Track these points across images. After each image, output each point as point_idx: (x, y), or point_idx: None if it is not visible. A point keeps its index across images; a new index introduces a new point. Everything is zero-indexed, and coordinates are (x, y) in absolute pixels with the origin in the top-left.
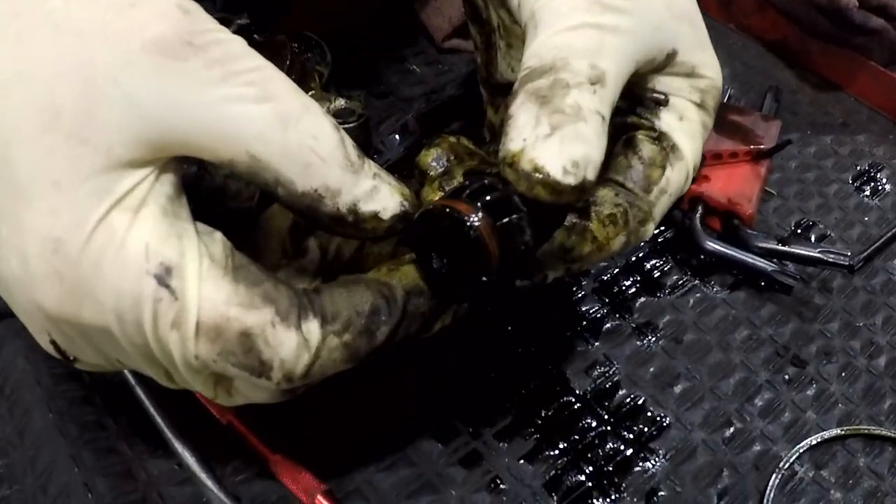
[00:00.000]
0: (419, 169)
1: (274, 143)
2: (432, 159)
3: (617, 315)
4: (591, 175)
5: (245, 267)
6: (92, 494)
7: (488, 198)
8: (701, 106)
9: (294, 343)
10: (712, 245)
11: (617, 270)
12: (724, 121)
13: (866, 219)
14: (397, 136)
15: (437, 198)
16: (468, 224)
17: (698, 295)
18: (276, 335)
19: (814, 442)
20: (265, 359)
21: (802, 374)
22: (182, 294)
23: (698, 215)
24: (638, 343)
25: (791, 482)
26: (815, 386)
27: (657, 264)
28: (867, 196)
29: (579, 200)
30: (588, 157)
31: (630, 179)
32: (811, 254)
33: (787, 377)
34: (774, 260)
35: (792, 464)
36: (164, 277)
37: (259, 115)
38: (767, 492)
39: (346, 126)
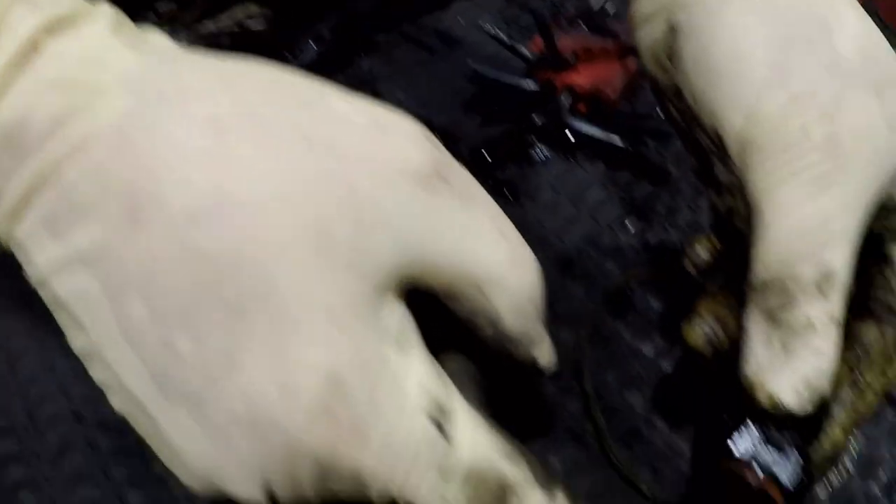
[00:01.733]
0: (687, 342)
1: (503, 283)
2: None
3: (483, 182)
4: (826, 386)
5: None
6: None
7: (765, 458)
8: None
9: None
10: (577, 124)
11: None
12: (599, 27)
13: None
14: (312, 43)
15: None
16: (759, 492)
17: (560, 165)
18: (527, 495)
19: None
20: None
21: (647, 227)
22: (452, 436)
23: (567, 99)
24: (497, 200)
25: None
26: (657, 237)
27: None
28: None
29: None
30: (821, 370)
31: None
32: (663, 128)
33: (632, 230)
34: (634, 137)
35: (623, 289)
36: (437, 418)
37: (497, 253)
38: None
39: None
